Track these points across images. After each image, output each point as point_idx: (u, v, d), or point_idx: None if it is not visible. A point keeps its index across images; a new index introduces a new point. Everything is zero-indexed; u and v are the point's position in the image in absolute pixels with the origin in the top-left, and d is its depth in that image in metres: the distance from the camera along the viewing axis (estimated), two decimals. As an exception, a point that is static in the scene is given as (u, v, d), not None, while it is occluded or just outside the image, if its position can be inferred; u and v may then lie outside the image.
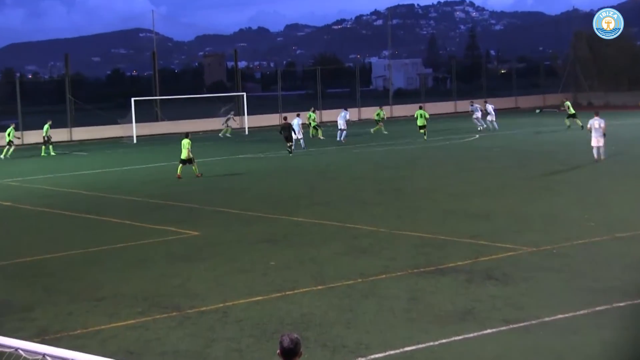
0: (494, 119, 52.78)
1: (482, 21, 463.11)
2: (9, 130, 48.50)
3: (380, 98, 77.28)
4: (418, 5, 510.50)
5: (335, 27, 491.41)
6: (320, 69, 78.54)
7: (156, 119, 65.67)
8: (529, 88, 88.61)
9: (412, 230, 19.72)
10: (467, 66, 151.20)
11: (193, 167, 33.30)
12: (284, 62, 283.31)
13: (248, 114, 62.96)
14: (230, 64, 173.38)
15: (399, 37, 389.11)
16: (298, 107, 58.21)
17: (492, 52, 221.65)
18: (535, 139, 46.08)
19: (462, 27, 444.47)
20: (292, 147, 42.00)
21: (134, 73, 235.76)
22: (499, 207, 22.99)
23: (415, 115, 49.22)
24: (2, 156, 47.29)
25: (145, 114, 63.23)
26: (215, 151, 46.78)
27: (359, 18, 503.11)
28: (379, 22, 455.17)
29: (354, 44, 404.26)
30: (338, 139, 48.51)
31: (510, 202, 23.87)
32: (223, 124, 59.36)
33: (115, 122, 60.22)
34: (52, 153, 48.76)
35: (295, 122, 45.03)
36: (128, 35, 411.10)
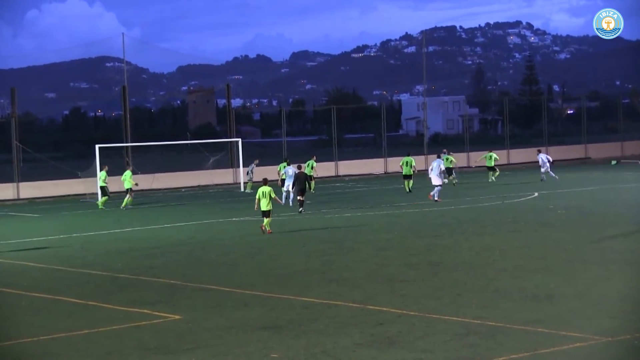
0: (549, 170, 57.28)
1: (543, 48, 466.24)
2: (128, 173, 52.42)
3: (412, 146, 77.53)
4: (461, 27, 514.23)
5: (356, 55, 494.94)
6: (335, 108, 78.91)
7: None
8: (603, 133, 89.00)
9: (453, 315, 19.67)
10: (523, 105, 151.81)
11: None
12: (290, 99, 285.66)
13: (244, 166, 63.24)
14: (221, 101, 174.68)
15: (437, 68, 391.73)
16: (308, 156, 58.46)
17: (556, 88, 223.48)
18: (611, 198, 46.07)
19: (517, 55, 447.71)
20: (304, 203, 43.91)
21: (99, 113, 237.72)
22: (565, 286, 22.92)
23: (400, 163, 53.45)
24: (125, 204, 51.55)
25: (113, 166, 63.62)
26: (202, 212, 46.95)
27: (385, 44, 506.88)
28: (411, 49, 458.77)
29: (379, 77, 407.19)
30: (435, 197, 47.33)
31: (580, 279, 23.81)
32: (247, 175, 59.74)
33: (74, 176, 60.60)
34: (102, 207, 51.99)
35: (291, 172, 47.09)
36: (91, 65, 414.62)
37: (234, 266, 28.60)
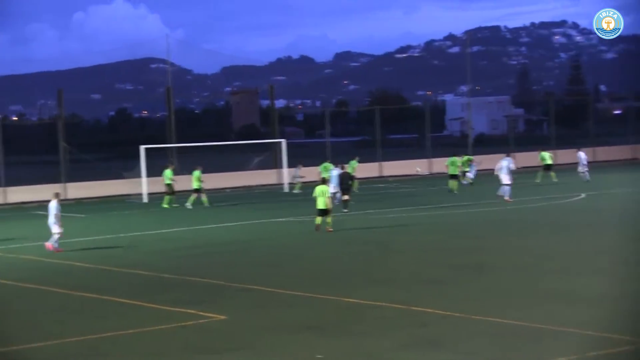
0: (586, 170, 58.09)
1: (589, 47, 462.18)
2: (196, 173, 52.58)
3: (456, 146, 77.28)
4: (505, 27, 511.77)
5: (399, 55, 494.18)
6: (379, 109, 78.79)
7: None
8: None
9: (497, 316, 19.61)
10: (569, 105, 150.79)
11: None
12: (333, 100, 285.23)
13: (288, 166, 63.30)
14: (265, 102, 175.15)
15: (481, 68, 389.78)
16: (351, 157, 58.36)
17: (602, 88, 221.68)
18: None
19: (562, 55, 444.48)
20: (348, 203, 44.20)
21: (144, 114, 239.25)
22: (613, 288, 22.78)
23: (446, 163, 54.73)
24: (204, 203, 51.63)
25: (158, 166, 63.95)
26: (246, 212, 47.09)
27: (429, 44, 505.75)
28: (455, 49, 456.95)
29: (422, 78, 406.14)
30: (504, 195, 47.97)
31: (628, 282, 23.62)
32: (296, 178, 59.87)
33: (119, 176, 60.98)
34: (167, 205, 52.33)
35: (335, 173, 46.99)
36: (136, 66, 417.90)
37: (278, 267, 28.69)
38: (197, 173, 52.87)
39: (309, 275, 26.63)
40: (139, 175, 57.43)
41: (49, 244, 34.02)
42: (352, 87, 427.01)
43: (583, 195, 49.02)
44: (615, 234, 33.21)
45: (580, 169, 58.84)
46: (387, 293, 22.92)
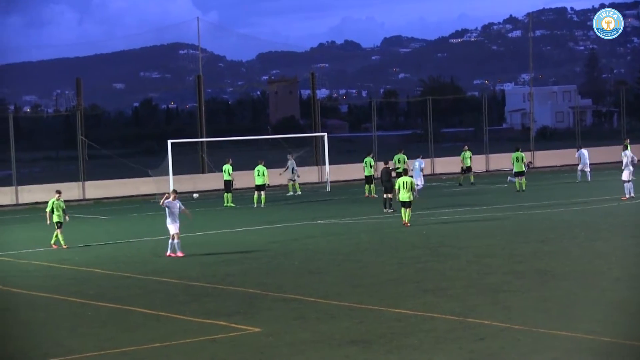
0: (588, 169, 59.44)
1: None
2: (226, 167, 54.26)
3: (517, 141, 77.00)
4: (572, 9, 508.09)
5: (454, 40, 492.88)
6: (431, 99, 78.63)
7: (202, 170, 66.45)
8: None
9: (562, 329, 19.49)
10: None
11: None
12: (381, 90, 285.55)
13: (330, 163, 63.28)
14: (305, 92, 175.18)
15: (545, 54, 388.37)
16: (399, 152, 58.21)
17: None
18: None
19: (635, 40, 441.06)
20: (392, 203, 44.71)
21: (171, 105, 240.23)
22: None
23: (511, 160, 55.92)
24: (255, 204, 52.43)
25: (187, 163, 64.14)
26: (283, 213, 47.15)
27: (487, 28, 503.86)
28: (516, 33, 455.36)
29: (479, 65, 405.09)
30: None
31: None
32: (290, 179, 59.62)
33: (144, 174, 61.17)
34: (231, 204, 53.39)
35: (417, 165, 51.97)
36: (163, 52, 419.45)
37: (318, 274, 28.66)
38: (227, 167, 53.19)
39: (353, 283, 26.58)
40: (166, 173, 57.48)
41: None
42: (401, 75, 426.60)
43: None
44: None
45: (581, 167, 60.10)
46: (440, 303, 22.86)
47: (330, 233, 39.09)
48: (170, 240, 33.09)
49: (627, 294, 23.26)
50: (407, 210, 39.50)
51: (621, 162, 47.57)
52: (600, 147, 76.51)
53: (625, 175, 46.39)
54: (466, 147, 62.81)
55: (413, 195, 39.85)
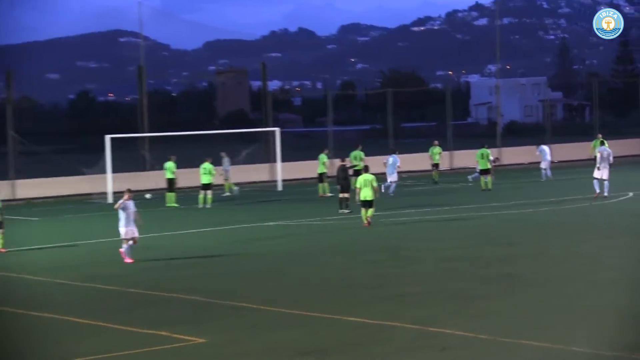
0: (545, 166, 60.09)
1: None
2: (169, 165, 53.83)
3: (484, 137, 77.25)
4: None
5: (416, 28, 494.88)
6: (392, 92, 78.75)
7: (143, 167, 66.18)
8: None
9: (532, 339, 19.52)
10: (615, 88, 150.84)
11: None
12: (338, 81, 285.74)
13: (283, 160, 63.25)
14: (256, 84, 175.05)
15: (513, 43, 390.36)
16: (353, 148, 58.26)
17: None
18: None
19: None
20: (349, 204, 44.63)
21: (110, 97, 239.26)
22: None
23: (476, 157, 56.31)
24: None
25: (127, 160, 63.82)
26: (234, 214, 47.06)
27: (451, 15, 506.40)
28: (482, 21, 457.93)
29: (443, 55, 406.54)
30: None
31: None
32: (225, 178, 59.30)
33: (79, 172, 60.82)
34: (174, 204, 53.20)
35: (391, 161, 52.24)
36: (102, 40, 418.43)
37: (270, 280, 28.60)
38: (170, 164, 53.02)
39: (308, 289, 26.58)
40: (103, 171, 57.15)
41: None
42: (360, 66, 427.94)
43: (631, 194, 48.91)
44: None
45: (543, 164, 60.55)
46: (401, 311, 22.88)
47: (282, 235, 39.06)
48: (125, 245, 32.62)
49: (602, 300, 23.34)
50: (369, 210, 39.47)
51: (594, 158, 47.84)
52: (572, 142, 77.01)
53: (603, 174, 46.50)
54: (436, 143, 63.13)
55: (375, 193, 39.75)
